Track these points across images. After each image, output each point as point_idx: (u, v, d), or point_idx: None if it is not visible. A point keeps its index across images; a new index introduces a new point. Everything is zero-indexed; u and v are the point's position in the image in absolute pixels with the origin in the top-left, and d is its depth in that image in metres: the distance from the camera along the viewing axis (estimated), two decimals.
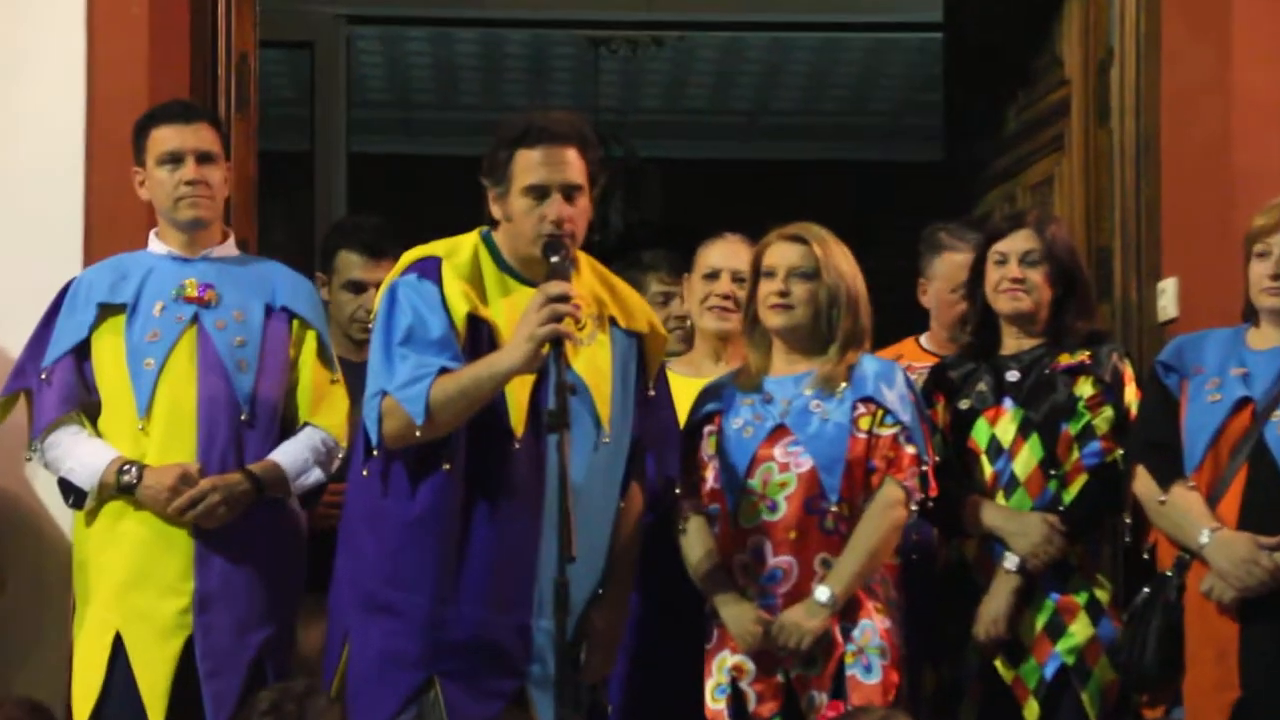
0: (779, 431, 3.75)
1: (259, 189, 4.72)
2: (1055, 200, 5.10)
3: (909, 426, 3.74)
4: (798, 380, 3.79)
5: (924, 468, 3.74)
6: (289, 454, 3.87)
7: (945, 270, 4.50)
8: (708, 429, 3.82)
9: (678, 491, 3.76)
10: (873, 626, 3.70)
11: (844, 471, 3.70)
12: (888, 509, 3.71)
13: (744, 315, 3.88)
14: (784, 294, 3.77)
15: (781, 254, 3.80)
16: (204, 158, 3.89)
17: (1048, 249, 3.95)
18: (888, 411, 3.74)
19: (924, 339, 4.56)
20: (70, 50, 4.49)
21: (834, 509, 3.70)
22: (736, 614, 3.68)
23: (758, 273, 3.83)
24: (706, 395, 3.87)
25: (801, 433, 3.73)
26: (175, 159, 3.88)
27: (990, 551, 3.90)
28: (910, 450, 3.73)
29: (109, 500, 3.83)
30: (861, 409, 3.74)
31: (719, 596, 3.71)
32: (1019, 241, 3.97)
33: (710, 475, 3.78)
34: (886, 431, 3.74)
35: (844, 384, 3.75)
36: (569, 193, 3.50)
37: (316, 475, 3.89)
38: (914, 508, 3.73)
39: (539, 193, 3.50)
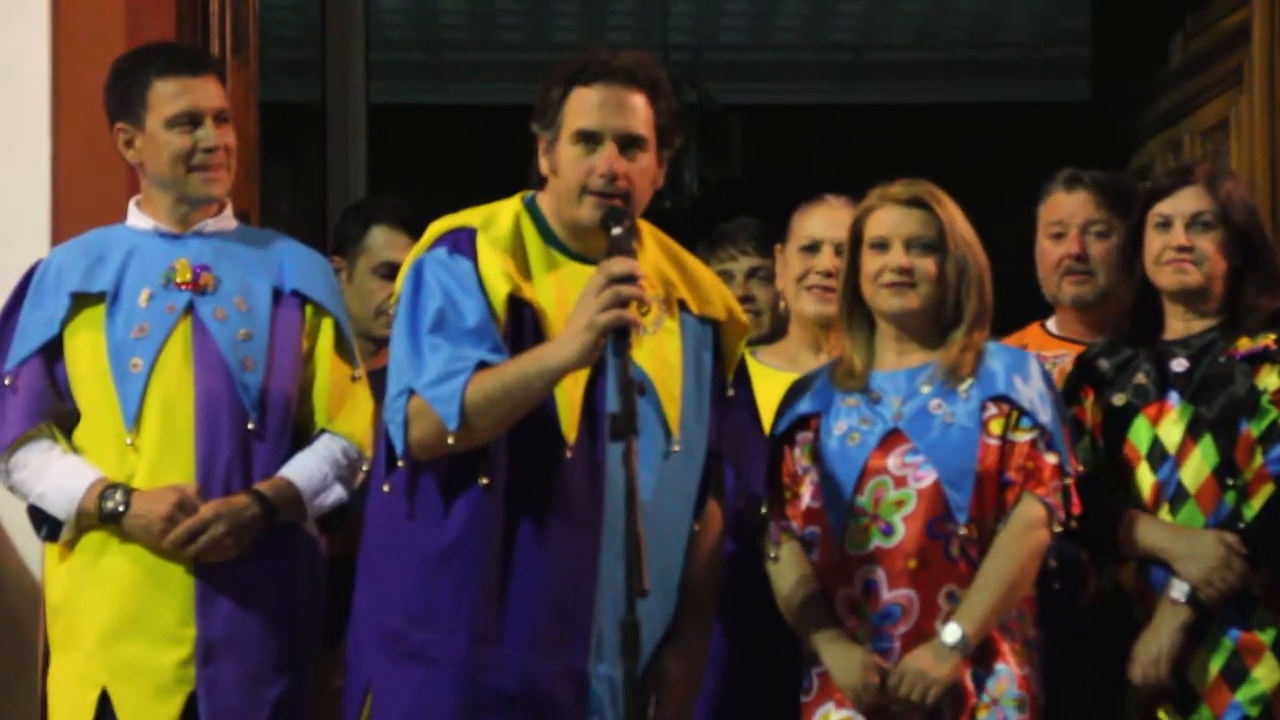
0: (893, 438, 3.74)
1: (260, 149, 4.76)
2: (1232, 149, 5.07)
3: (1049, 429, 3.72)
4: (912, 375, 3.78)
5: (1067, 480, 3.73)
6: (304, 470, 3.90)
7: (1044, 217, 4.46)
8: (802, 435, 3.81)
9: (764, 511, 3.76)
10: (1009, 673, 3.70)
11: (974, 486, 3.69)
12: (1027, 530, 3.69)
13: (841, 296, 3.86)
14: (905, 270, 3.75)
15: (896, 221, 3.78)
16: (220, 118, 3.92)
17: (1222, 210, 3.93)
18: (1024, 412, 3.72)
19: (1051, 323, 4.52)
20: None
21: (962, 531, 3.69)
22: (844, 659, 3.68)
23: (859, 243, 3.81)
24: (797, 393, 3.86)
25: (921, 439, 3.72)
26: (193, 120, 3.89)
27: (1152, 578, 3.89)
28: (1051, 459, 3.72)
29: (88, 530, 3.86)
30: (992, 409, 3.73)
31: (821, 637, 3.70)
32: (1186, 201, 3.95)
33: (807, 492, 3.78)
34: (1023, 437, 3.73)
35: (970, 379, 3.75)
36: (628, 144, 3.51)
37: (338, 493, 3.92)
38: (1057, 528, 3.72)
39: (591, 139, 3.51)
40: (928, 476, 3.70)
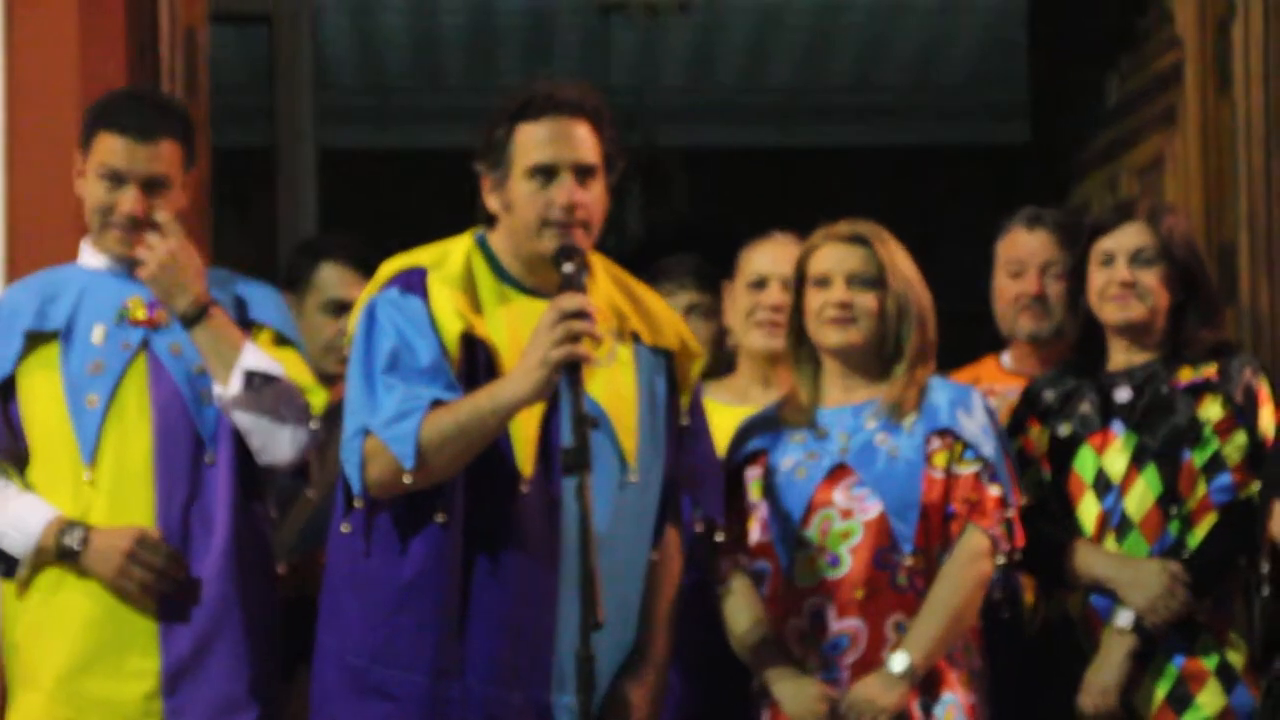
0: (839, 471, 3.75)
1: (211, 194, 4.73)
2: (1167, 186, 5.09)
3: (992, 462, 3.73)
4: (858, 410, 3.78)
5: (1010, 512, 3.74)
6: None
7: (1002, 253, 4.48)
8: (751, 471, 3.82)
9: (719, 539, 3.74)
10: (956, 702, 3.69)
11: (919, 517, 3.69)
12: (971, 561, 3.70)
13: (788, 332, 3.88)
14: (845, 305, 3.76)
15: (837, 258, 3.80)
16: (153, 185, 3.86)
17: (1164, 245, 3.94)
18: (967, 445, 3.73)
19: (1006, 357, 4.54)
20: None
21: (908, 562, 3.69)
22: (794, 691, 3.67)
23: (803, 281, 3.83)
24: (747, 431, 3.87)
25: (866, 472, 3.73)
26: (116, 179, 3.85)
27: (1099, 607, 3.88)
28: (995, 491, 3.73)
29: (43, 568, 3.80)
30: (936, 443, 3.74)
31: (771, 671, 3.70)
32: (1128, 237, 3.96)
33: (756, 527, 3.78)
34: (966, 469, 3.74)
35: (914, 413, 3.75)
36: (582, 174, 3.50)
37: (278, 370, 3.80)
38: (1000, 559, 3.72)
39: (546, 173, 3.49)
40: (873, 508, 3.71)
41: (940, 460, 3.74)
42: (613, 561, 3.39)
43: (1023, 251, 4.42)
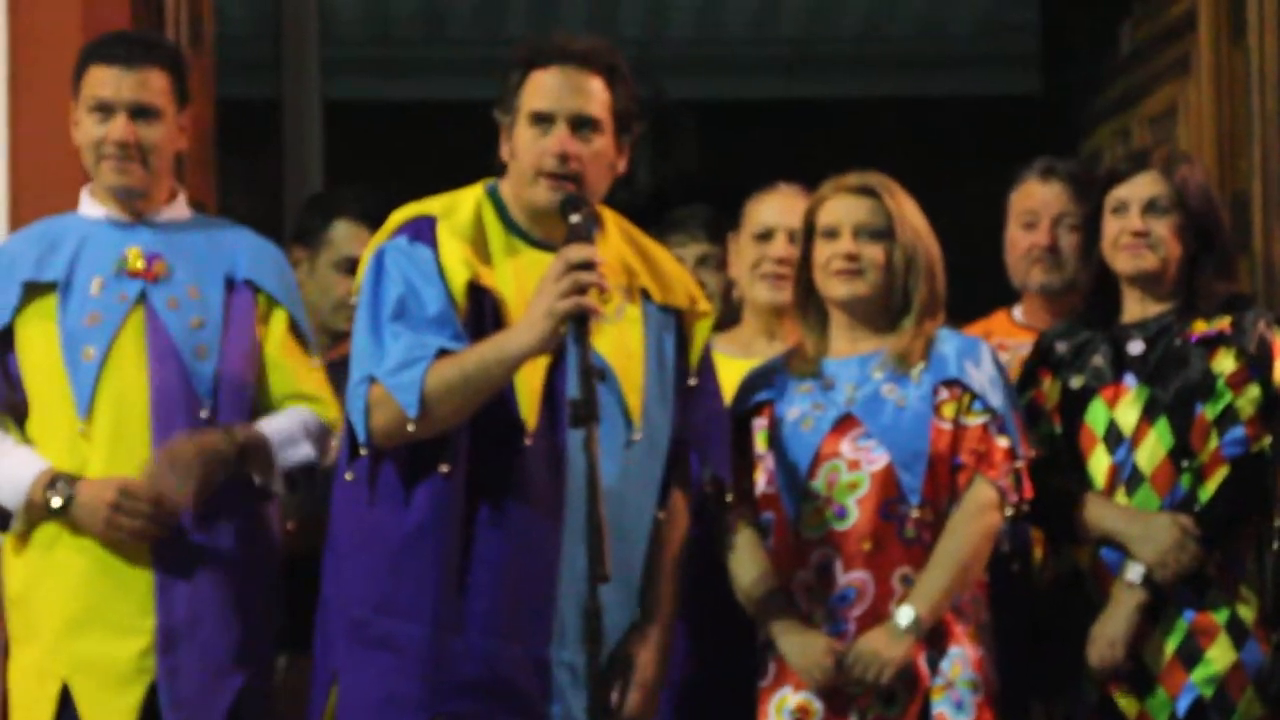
0: (846, 422, 3.73)
1: (217, 143, 4.71)
2: (1180, 135, 5.08)
3: (1000, 413, 3.72)
4: (864, 361, 3.77)
5: (1018, 464, 3.72)
6: (274, 423, 3.84)
7: (1015, 205, 4.44)
8: (757, 422, 3.80)
9: (729, 499, 3.73)
10: (963, 656, 3.68)
11: (926, 468, 3.68)
12: (979, 513, 3.68)
13: (795, 284, 3.86)
14: (852, 257, 3.74)
15: (846, 209, 3.78)
16: (141, 112, 3.84)
17: (1177, 195, 3.91)
18: (975, 396, 3.72)
19: (1017, 312, 4.51)
20: None
21: (915, 514, 3.68)
22: (800, 644, 3.66)
23: (812, 233, 3.81)
24: (753, 382, 3.85)
25: (873, 423, 3.71)
26: (104, 109, 3.84)
27: (1108, 561, 3.87)
28: (1003, 443, 3.71)
29: (40, 523, 3.80)
30: (944, 393, 3.73)
31: (777, 624, 3.69)
32: (1142, 186, 3.93)
33: (762, 478, 3.77)
34: (974, 420, 3.72)
35: (921, 364, 3.74)
36: (580, 125, 3.47)
37: (306, 450, 3.85)
38: (1009, 511, 3.71)
39: (544, 121, 3.47)
40: (880, 459, 3.69)
41: (948, 411, 3.72)
42: (618, 518, 3.37)
43: (1036, 203, 4.40)
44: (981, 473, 3.70)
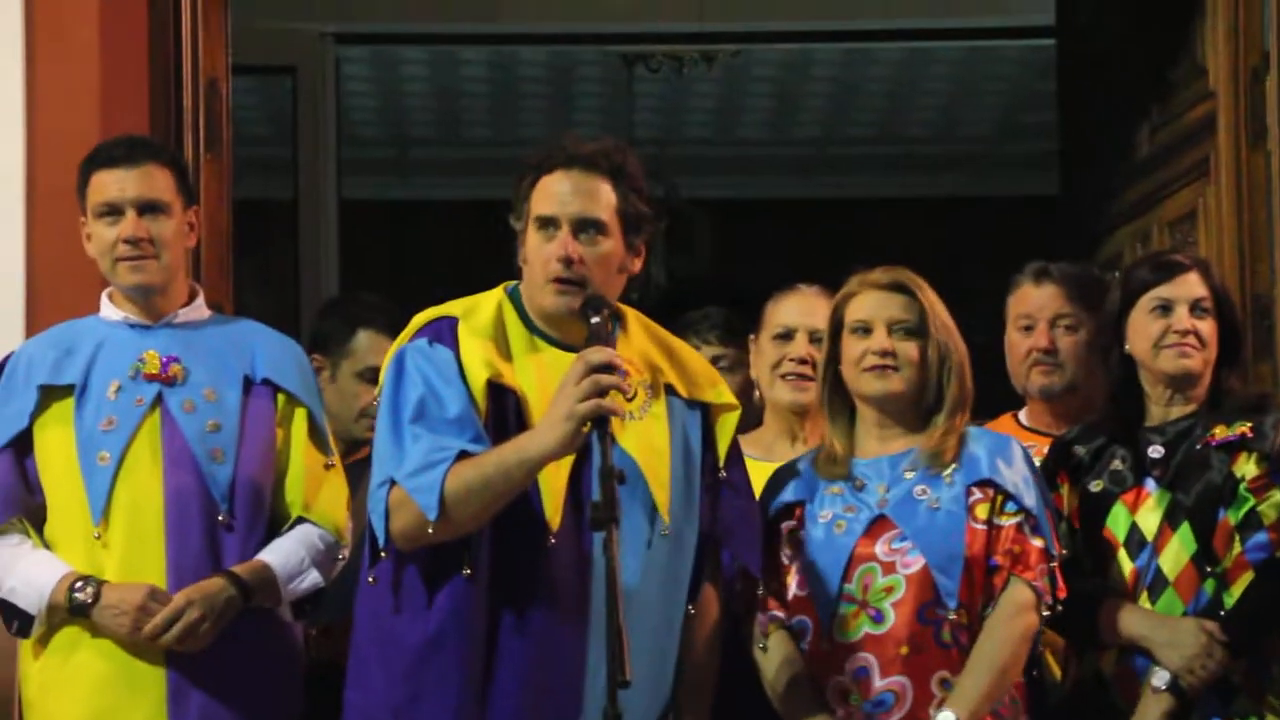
0: (879, 524, 3.71)
1: (233, 244, 4.74)
2: (1200, 240, 5.08)
3: (1034, 513, 3.70)
4: (895, 461, 3.75)
5: (1053, 564, 3.71)
6: (280, 552, 3.85)
7: (1012, 309, 4.45)
8: (786, 524, 3.78)
9: (761, 593, 3.72)
10: None
11: (962, 571, 3.66)
12: (1016, 615, 3.66)
13: (822, 382, 3.84)
14: (888, 353, 3.73)
15: (878, 305, 3.77)
16: (148, 208, 3.88)
17: (1217, 297, 3.95)
18: (1009, 496, 3.70)
19: (1023, 415, 4.50)
20: (7, 79, 4.52)
21: (953, 616, 3.66)
22: None
23: (839, 329, 3.80)
24: (780, 482, 3.83)
25: (908, 525, 3.69)
26: (113, 210, 3.88)
27: (1134, 666, 3.86)
28: (1037, 543, 3.70)
29: (61, 626, 3.80)
30: (977, 494, 3.71)
31: None
32: (1188, 287, 3.95)
33: (793, 581, 3.74)
34: (1008, 521, 3.71)
35: (954, 464, 3.73)
36: (583, 228, 3.49)
37: (313, 578, 3.87)
38: (1045, 612, 3.69)
39: (549, 225, 3.50)
40: (916, 562, 3.67)
41: (981, 512, 3.70)
42: (643, 617, 3.37)
43: (1031, 306, 4.41)
44: (1017, 574, 3.67)
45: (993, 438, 3.80)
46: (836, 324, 3.81)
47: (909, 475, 3.73)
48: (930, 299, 3.78)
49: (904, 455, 3.76)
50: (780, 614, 3.74)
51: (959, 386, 3.75)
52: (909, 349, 3.74)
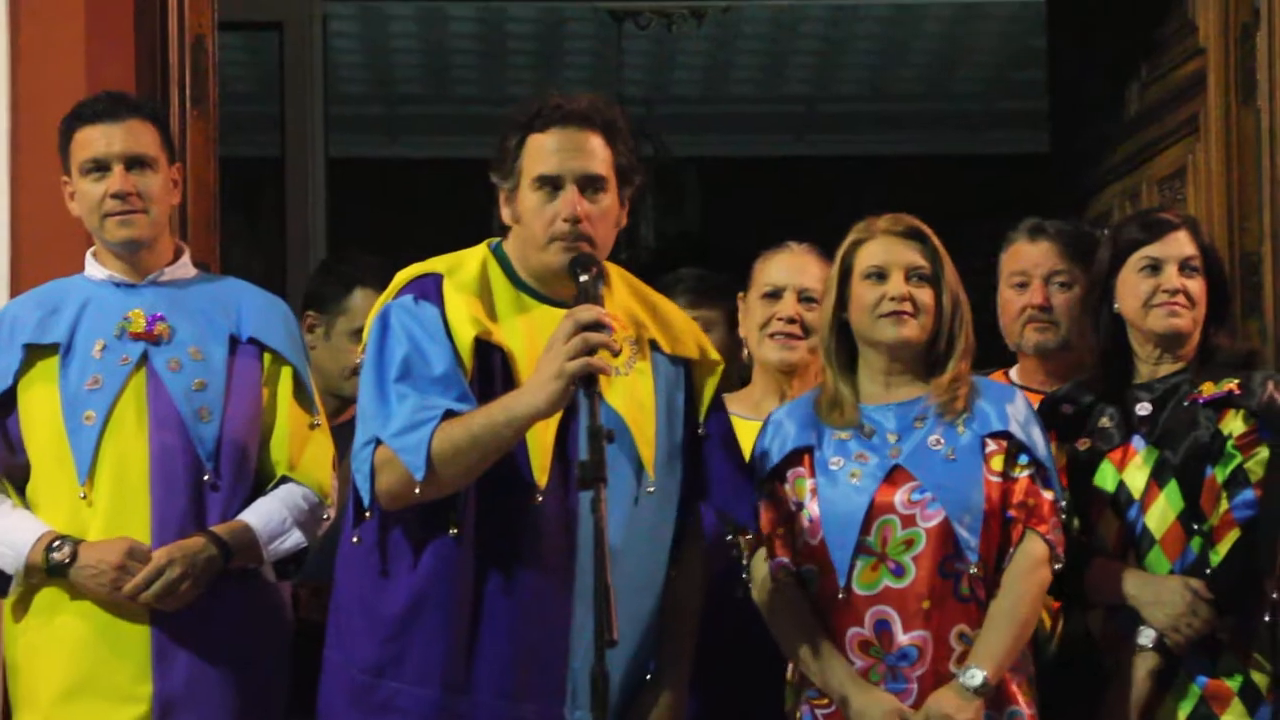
0: (896, 474, 3.69)
1: (220, 201, 4.73)
2: (1189, 197, 5.08)
3: (1045, 464, 3.70)
4: (904, 409, 3.73)
5: (1063, 516, 3.71)
6: (261, 513, 3.85)
7: (1005, 266, 4.44)
8: (794, 470, 3.76)
9: (744, 547, 3.71)
10: (1023, 715, 3.67)
11: (982, 524, 3.65)
12: (1034, 569, 3.67)
13: (826, 329, 3.79)
14: (906, 299, 3.70)
15: (894, 251, 3.74)
16: (135, 162, 3.87)
17: (1206, 256, 3.95)
18: (1022, 448, 3.70)
19: (1014, 372, 4.49)
20: None
21: (973, 570, 3.65)
22: (869, 702, 3.62)
23: (847, 276, 3.77)
24: (783, 428, 3.79)
25: (926, 476, 3.68)
26: (100, 167, 3.86)
27: (1120, 625, 3.87)
28: (1048, 495, 3.70)
29: (41, 588, 3.80)
30: (992, 445, 3.70)
31: (842, 681, 3.64)
32: (1177, 245, 3.95)
33: (804, 528, 3.72)
34: (1022, 473, 3.70)
35: (965, 413, 3.71)
36: (588, 185, 3.49)
37: (296, 538, 3.87)
38: (1057, 565, 3.69)
39: (551, 184, 3.49)
40: (936, 515, 3.66)
41: (997, 464, 3.70)
42: (626, 575, 3.38)
43: (1026, 263, 4.40)
44: (1032, 527, 3.67)
45: (999, 388, 3.80)
46: (844, 270, 3.77)
47: (919, 425, 3.72)
48: (941, 246, 3.76)
49: (913, 403, 3.73)
50: (787, 560, 3.72)
51: (967, 335, 3.74)
52: (925, 295, 3.72)
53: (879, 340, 3.73)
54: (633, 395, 3.52)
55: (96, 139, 3.87)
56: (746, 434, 3.89)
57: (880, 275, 3.73)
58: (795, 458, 3.75)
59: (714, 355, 3.69)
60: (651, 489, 3.52)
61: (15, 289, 4.34)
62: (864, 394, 3.76)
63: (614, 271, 3.63)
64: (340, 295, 4.50)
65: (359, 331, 4.42)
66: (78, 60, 4.50)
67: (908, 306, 3.70)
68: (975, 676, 3.59)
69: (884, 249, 3.74)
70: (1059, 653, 4.01)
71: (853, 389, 3.76)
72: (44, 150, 4.23)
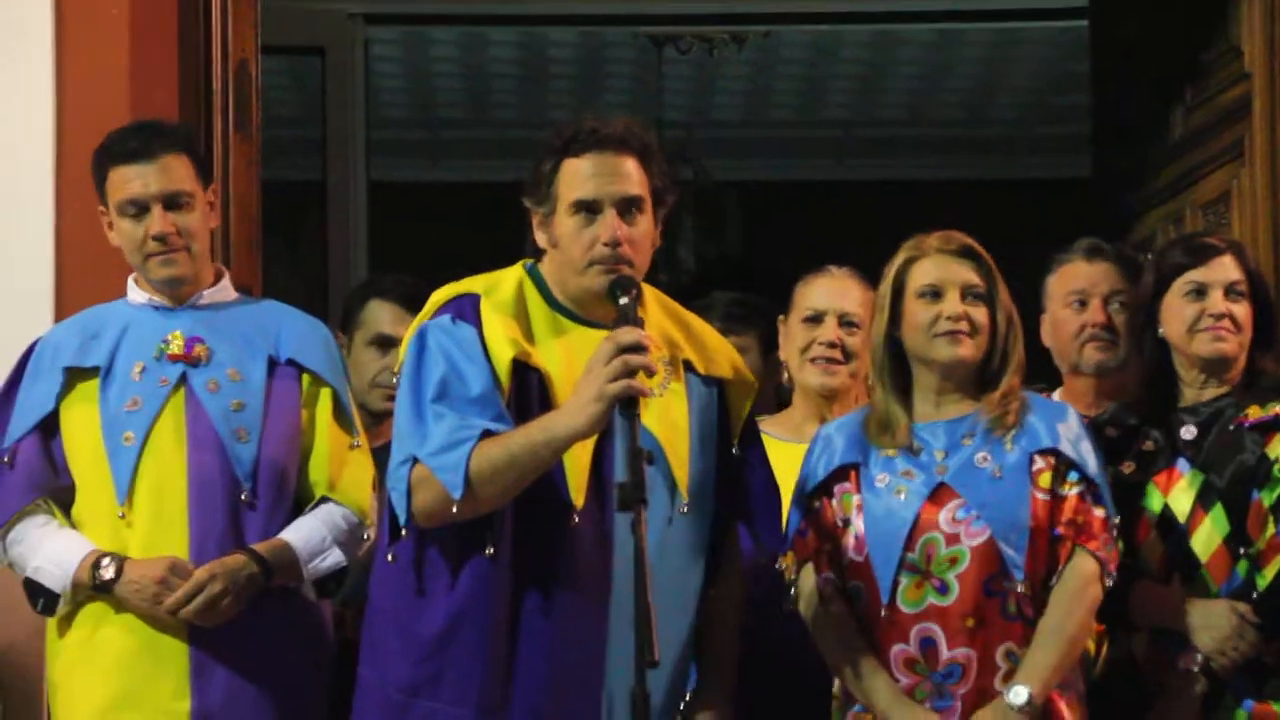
0: (941, 492, 3.68)
1: (262, 225, 4.76)
2: (1233, 221, 5.07)
3: (1096, 481, 3.68)
4: (953, 426, 3.72)
5: (1114, 533, 3.69)
6: (302, 531, 3.87)
7: (1059, 287, 4.43)
8: (840, 486, 3.75)
9: (792, 561, 3.70)
10: None
11: (1028, 542, 3.64)
12: (1083, 587, 3.65)
13: (877, 348, 3.77)
14: (963, 318, 3.68)
15: (949, 269, 3.72)
16: (173, 202, 3.89)
17: (1251, 281, 3.94)
18: (1071, 465, 3.68)
19: (1057, 395, 4.49)
20: (35, 60, 4.54)
21: (1019, 589, 3.64)
22: None
23: (899, 295, 3.75)
24: (834, 441, 3.78)
25: (971, 494, 3.66)
26: (138, 207, 3.88)
27: (1166, 648, 3.86)
28: (1099, 513, 3.67)
29: (86, 603, 3.82)
30: (1040, 462, 3.69)
31: (886, 697, 3.63)
32: (1222, 270, 3.94)
33: (849, 544, 3.71)
34: (1071, 490, 3.69)
35: (1014, 429, 3.70)
36: (626, 209, 3.50)
37: (335, 557, 3.88)
38: (1108, 582, 3.67)
39: (589, 209, 3.49)
40: (981, 533, 3.64)
41: (1045, 481, 3.68)
42: (661, 595, 3.34)
43: (1084, 282, 4.38)
44: (1081, 544, 3.65)
45: (1050, 405, 3.79)
46: (897, 288, 3.75)
47: (967, 442, 3.70)
48: (993, 264, 3.74)
49: (961, 420, 3.72)
50: (833, 575, 3.72)
51: (1019, 351, 3.73)
52: (980, 314, 3.71)
53: (934, 359, 3.72)
54: (666, 416, 3.53)
55: (132, 180, 3.88)
56: (785, 457, 3.89)
57: (935, 294, 3.72)
58: (842, 473, 3.75)
59: (749, 376, 3.69)
60: (685, 509, 3.52)
61: (60, 314, 4.37)
62: (915, 413, 3.75)
63: (648, 292, 3.63)
64: (358, 309, 4.53)
65: (375, 340, 4.46)
66: (122, 85, 4.53)
67: (964, 325, 3.69)
68: (1020, 694, 3.57)
69: (938, 267, 3.73)
70: (1104, 677, 3.98)
71: (905, 409, 3.74)
72: (89, 176, 4.23)
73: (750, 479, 3.66)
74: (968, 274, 3.72)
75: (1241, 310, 3.93)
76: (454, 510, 3.38)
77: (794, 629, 3.77)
